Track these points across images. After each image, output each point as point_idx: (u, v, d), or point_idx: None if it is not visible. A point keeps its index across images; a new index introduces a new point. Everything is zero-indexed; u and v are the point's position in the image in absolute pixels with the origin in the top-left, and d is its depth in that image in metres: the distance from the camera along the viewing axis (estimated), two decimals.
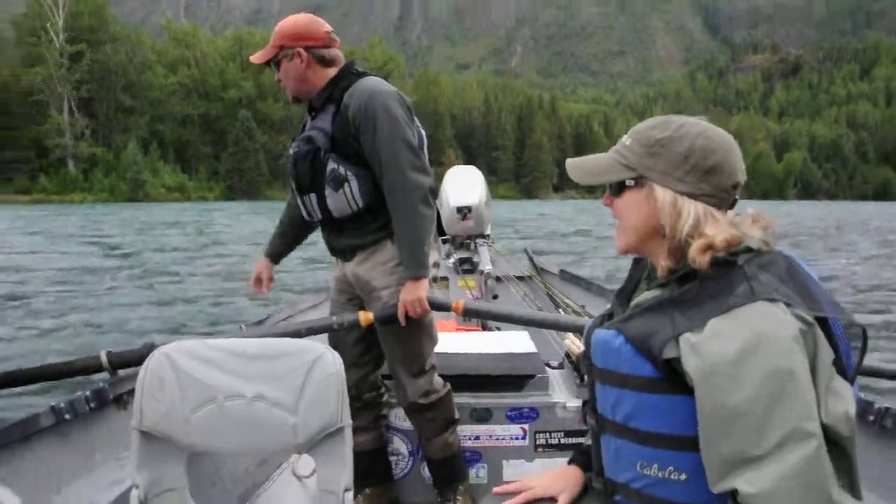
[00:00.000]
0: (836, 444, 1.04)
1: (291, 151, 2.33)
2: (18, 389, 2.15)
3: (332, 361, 1.72)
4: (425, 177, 2.20)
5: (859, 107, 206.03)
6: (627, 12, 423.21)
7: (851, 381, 1.12)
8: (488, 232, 5.05)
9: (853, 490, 1.05)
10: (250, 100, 75.55)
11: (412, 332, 2.32)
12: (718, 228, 1.17)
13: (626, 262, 1.42)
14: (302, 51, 2.27)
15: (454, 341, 2.92)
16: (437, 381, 2.46)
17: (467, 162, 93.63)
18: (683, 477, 1.15)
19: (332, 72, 2.31)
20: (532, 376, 2.62)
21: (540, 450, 2.58)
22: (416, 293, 2.22)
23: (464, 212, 4.65)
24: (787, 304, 1.08)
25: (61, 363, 2.15)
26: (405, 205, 2.17)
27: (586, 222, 35.81)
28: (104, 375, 2.24)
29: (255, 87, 77.77)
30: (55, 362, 2.16)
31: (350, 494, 1.70)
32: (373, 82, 2.25)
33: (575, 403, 2.54)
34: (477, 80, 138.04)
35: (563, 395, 2.62)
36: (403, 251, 2.24)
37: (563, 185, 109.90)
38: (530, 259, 6.22)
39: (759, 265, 1.14)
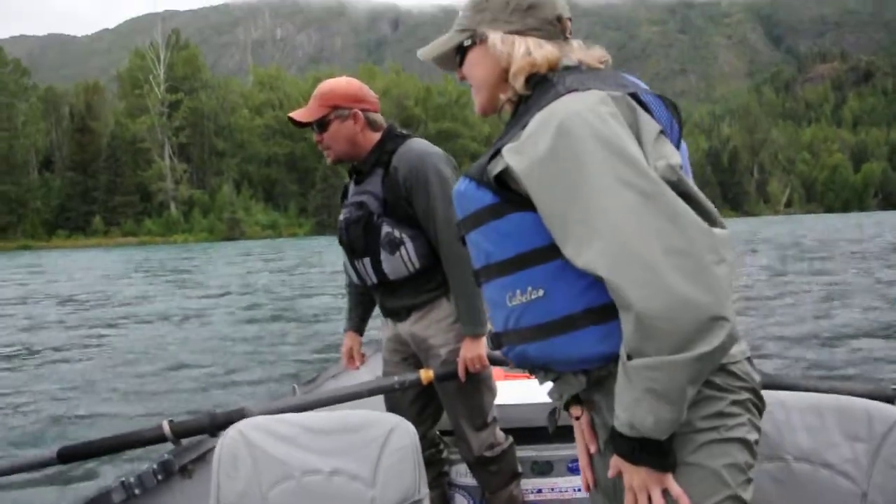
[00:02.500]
0: (678, 192, 1.10)
1: (342, 217, 2.36)
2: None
3: (407, 432, 1.75)
4: None
5: None
6: (687, 30, 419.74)
7: (677, 145, 1.24)
8: None
9: (708, 217, 1.11)
10: None
11: (473, 387, 2.32)
12: (545, 52, 1.28)
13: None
14: (359, 112, 2.29)
15: (509, 391, 2.77)
16: (500, 433, 2.46)
17: None
18: (541, 293, 1.20)
19: (377, 136, 2.34)
20: None
21: None
22: (477, 350, 2.22)
23: None
24: (591, 90, 1.17)
25: (126, 434, 2.16)
26: (465, 267, 2.06)
27: None
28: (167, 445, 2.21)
29: None
30: (120, 434, 2.19)
31: None
32: (420, 144, 2.31)
33: None
34: None
35: None
36: (462, 309, 2.25)
37: None
38: None
39: (569, 74, 1.26)
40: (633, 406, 1.10)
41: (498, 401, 2.50)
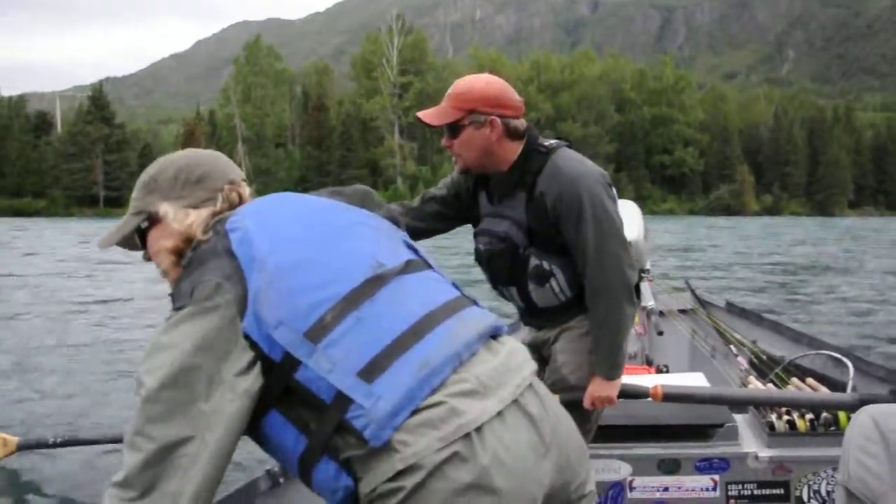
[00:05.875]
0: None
1: (482, 247, 2.18)
2: None
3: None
4: (634, 273, 2.06)
5: None
6: None
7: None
8: (648, 266, 4.72)
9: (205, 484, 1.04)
10: (550, 120, 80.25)
11: (581, 417, 2.08)
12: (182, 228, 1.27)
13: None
14: (497, 119, 2.02)
15: None
16: None
17: (757, 179, 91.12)
18: None
19: (518, 146, 2.07)
20: (721, 425, 2.50)
21: (732, 502, 2.47)
22: (609, 392, 2.10)
23: None
24: (179, 306, 1.12)
25: None
26: (610, 305, 2.03)
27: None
28: None
29: (553, 108, 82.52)
30: None
31: None
32: (570, 164, 2.04)
33: (767, 454, 2.41)
34: (763, 94, 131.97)
35: (753, 444, 2.50)
36: (601, 352, 2.09)
37: (860, 201, 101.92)
38: (692, 292, 5.98)
39: (193, 260, 1.20)
40: None
41: None
